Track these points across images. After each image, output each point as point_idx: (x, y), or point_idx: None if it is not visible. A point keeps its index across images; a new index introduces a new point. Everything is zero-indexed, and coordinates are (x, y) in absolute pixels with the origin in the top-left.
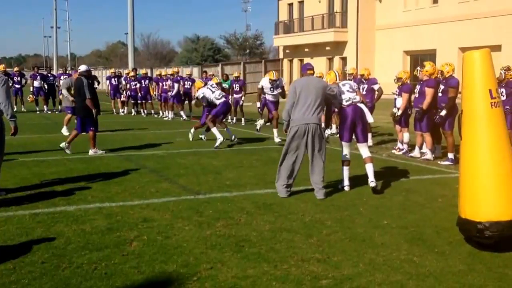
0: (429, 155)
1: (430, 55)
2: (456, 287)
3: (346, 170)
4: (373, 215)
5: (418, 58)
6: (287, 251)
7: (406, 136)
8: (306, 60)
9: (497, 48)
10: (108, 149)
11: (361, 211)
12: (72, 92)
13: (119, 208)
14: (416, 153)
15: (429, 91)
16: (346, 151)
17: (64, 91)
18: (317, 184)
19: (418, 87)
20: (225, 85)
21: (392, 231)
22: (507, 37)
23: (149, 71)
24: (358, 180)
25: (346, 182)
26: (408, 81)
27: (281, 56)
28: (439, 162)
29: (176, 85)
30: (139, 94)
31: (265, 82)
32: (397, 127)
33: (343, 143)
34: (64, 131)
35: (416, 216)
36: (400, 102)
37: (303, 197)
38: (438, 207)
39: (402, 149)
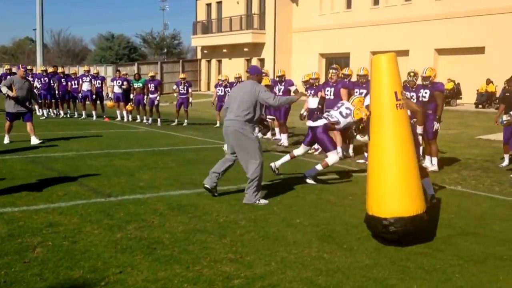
0: (340, 154)
1: (344, 58)
2: (362, 281)
3: (286, 157)
4: (286, 214)
5: (333, 61)
6: (200, 252)
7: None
8: (225, 61)
9: (405, 53)
10: (12, 150)
11: (274, 211)
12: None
13: (22, 213)
14: (340, 153)
15: (343, 92)
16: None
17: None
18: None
19: (330, 89)
20: (138, 85)
21: (304, 229)
22: (415, 43)
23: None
24: (273, 181)
25: (278, 163)
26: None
27: (199, 56)
28: (357, 161)
29: (86, 84)
30: (58, 93)
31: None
32: None
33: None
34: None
35: (327, 214)
36: (313, 102)
37: (218, 197)
38: (349, 205)
39: (318, 149)
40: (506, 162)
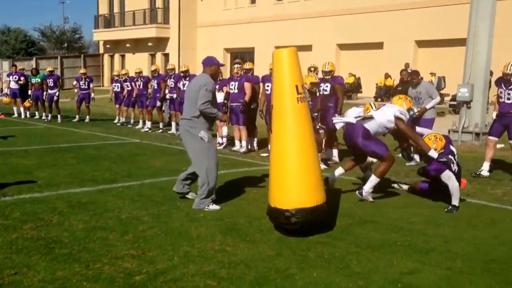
0: (244, 148)
1: (249, 53)
2: (264, 271)
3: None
4: (190, 208)
5: (238, 55)
6: (100, 250)
7: (225, 130)
8: (128, 55)
9: (308, 48)
10: None
11: (178, 206)
12: None
13: None
14: (237, 147)
15: (247, 86)
16: None
17: None
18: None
19: (235, 83)
20: (36, 80)
21: (208, 223)
22: (317, 38)
23: None
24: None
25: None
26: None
27: (101, 51)
28: (261, 154)
29: None
30: None
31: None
32: (217, 122)
33: None
34: None
35: (231, 208)
36: (218, 97)
37: (121, 194)
38: (252, 198)
39: (222, 143)
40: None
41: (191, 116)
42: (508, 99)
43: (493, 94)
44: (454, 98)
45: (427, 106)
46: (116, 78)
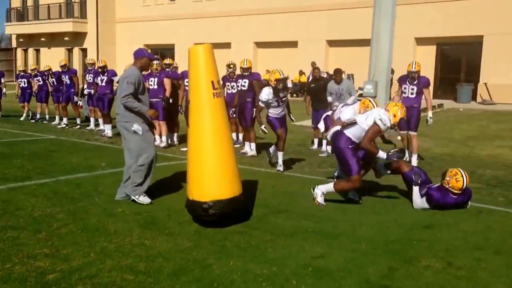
0: (164, 143)
1: (170, 49)
2: (182, 263)
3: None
4: (108, 204)
5: (158, 52)
6: (11, 249)
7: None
8: (43, 50)
9: (227, 45)
10: None
11: (96, 202)
12: None
13: None
14: (157, 141)
15: (167, 81)
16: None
17: None
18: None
19: (154, 79)
20: None
21: (126, 217)
22: (235, 36)
23: None
24: (95, 172)
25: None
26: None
27: (14, 45)
28: (181, 149)
29: None
30: None
31: (266, 94)
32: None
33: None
34: None
35: None
36: None
37: (34, 191)
38: (172, 191)
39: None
40: (315, 145)
41: (123, 110)
42: (412, 94)
43: (394, 90)
44: (361, 94)
45: (348, 102)
46: (22, 73)
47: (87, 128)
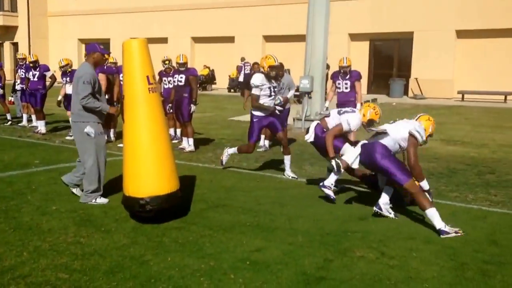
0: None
1: (105, 44)
2: (119, 260)
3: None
4: (42, 202)
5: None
6: None
7: None
8: None
9: (164, 40)
10: None
11: (29, 200)
12: None
13: None
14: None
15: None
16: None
17: None
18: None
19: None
20: None
21: (61, 215)
22: (172, 31)
23: None
24: (27, 169)
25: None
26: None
27: None
28: (118, 145)
29: None
30: None
31: (260, 79)
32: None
33: None
34: None
35: None
36: (70, 88)
37: None
38: (108, 188)
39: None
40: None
41: (78, 109)
42: (346, 88)
43: (329, 86)
44: (297, 89)
45: (288, 96)
46: None
47: (19, 124)
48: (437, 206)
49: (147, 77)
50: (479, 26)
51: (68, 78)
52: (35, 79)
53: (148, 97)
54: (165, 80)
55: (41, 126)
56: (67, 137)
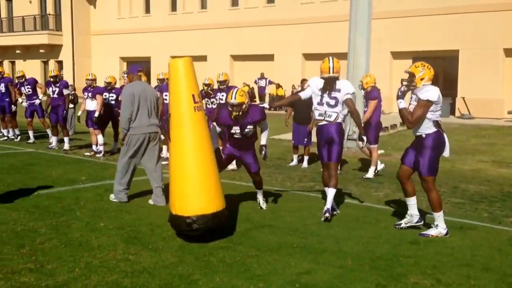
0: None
1: (146, 62)
2: (167, 279)
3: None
4: (90, 218)
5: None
6: None
7: (100, 138)
8: (18, 62)
9: (203, 58)
10: None
11: (78, 216)
12: None
13: None
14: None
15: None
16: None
17: None
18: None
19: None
20: None
21: (109, 232)
22: (211, 49)
23: None
24: (75, 185)
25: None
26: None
27: None
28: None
29: None
30: None
31: (316, 83)
32: (91, 129)
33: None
34: None
35: (132, 216)
36: (91, 104)
37: (15, 205)
38: (153, 206)
39: (99, 151)
40: (294, 161)
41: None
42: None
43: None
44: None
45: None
46: None
47: (28, 141)
48: (492, 232)
49: (193, 95)
50: None
51: (90, 94)
52: (55, 95)
53: (194, 115)
54: (208, 101)
55: (54, 141)
56: (86, 153)
